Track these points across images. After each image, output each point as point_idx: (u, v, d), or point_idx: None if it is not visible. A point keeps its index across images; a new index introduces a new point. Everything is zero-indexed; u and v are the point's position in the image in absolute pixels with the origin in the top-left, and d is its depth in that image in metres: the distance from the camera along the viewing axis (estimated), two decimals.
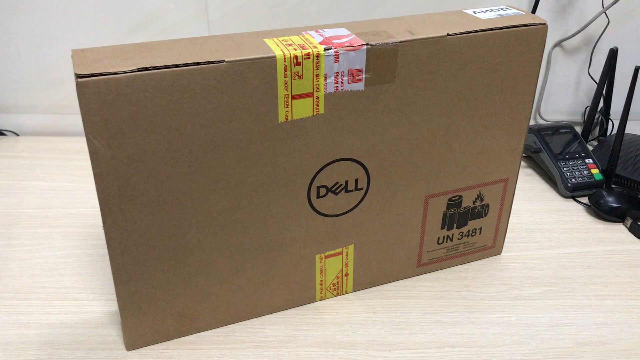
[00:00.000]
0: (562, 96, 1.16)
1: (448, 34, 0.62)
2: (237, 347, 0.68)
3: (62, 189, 0.95)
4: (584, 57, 1.12)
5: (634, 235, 0.88)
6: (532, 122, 1.17)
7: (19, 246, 0.82)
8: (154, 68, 0.52)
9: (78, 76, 0.50)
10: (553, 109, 1.17)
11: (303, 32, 0.61)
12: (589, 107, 1.10)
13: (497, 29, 0.64)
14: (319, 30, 0.62)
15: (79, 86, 0.51)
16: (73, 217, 0.88)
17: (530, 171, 1.05)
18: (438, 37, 0.62)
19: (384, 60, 0.60)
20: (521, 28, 0.65)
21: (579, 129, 1.09)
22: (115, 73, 0.51)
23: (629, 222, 0.90)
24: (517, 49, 0.66)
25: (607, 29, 1.08)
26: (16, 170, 1.00)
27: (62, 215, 0.89)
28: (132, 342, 0.67)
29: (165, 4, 1.01)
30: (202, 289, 0.66)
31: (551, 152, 1.00)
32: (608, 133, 1.13)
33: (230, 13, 1.04)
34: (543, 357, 0.67)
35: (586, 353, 0.68)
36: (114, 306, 0.72)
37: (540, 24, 0.66)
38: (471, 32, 0.63)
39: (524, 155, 1.07)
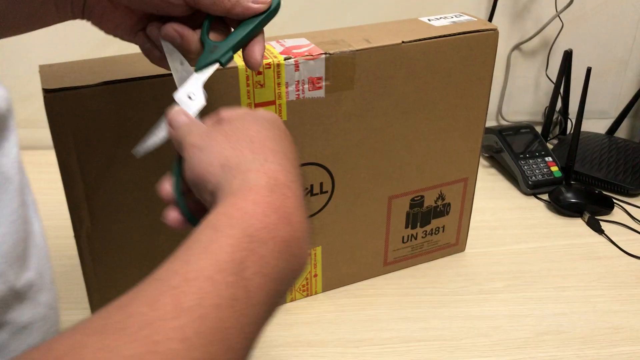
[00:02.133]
0: (522, 97, 1.20)
1: (403, 42, 0.65)
2: None
3: (36, 201, 0.96)
4: (541, 59, 1.17)
5: (592, 229, 0.92)
6: (494, 123, 1.21)
7: None
8: (119, 81, 0.54)
9: (46, 91, 0.52)
10: (514, 109, 1.21)
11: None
12: (548, 107, 1.14)
13: (450, 35, 0.68)
14: (280, 40, 0.65)
15: (46, 101, 0.52)
16: (45, 229, 0.89)
17: (493, 171, 1.08)
18: (393, 44, 0.65)
19: (343, 68, 0.63)
20: (473, 34, 0.69)
21: (539, 129, 1.13)
22: (82, 87, 0.53)
23: (586, 216, 0.94)
24: (470, 54, 0.70)
25: (561, 32, 1.12)
26: None
27: None
28: None
29: None
30: None
31: (512, 151, 1.04)
32: (567, 132, 1.17)
33: None
34: (504, 348, 0.70)
35: (545, 342, 0.71)
36: (88, 315, 0.73)
37: (492, 29, 0.70)
38: (425, 39, 0.66)
39: (486, 155, 1.11)
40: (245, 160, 0.38)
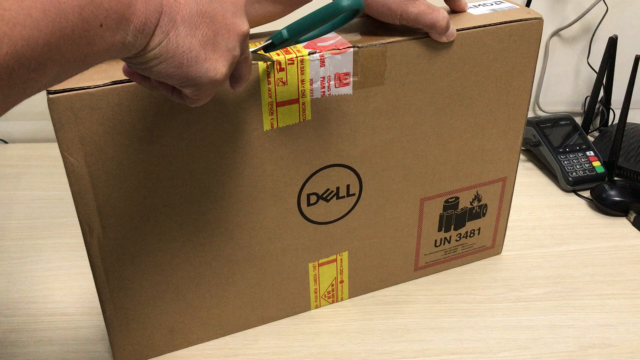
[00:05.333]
0: (561, 87, 1.13)
1: None
2: None
3: (51, 197, 0.93)
4: (582, 46, 1.09)
5: (638, 229, 0.86)
6: (531, 114, 1.14)
7: (7, 259, 0.80)
8: (129, 80, 0.50)
9: (49, 92, 0.48)
10: (552, 100, 1.14)
11: None
12: (589, 97, 1.07)
13: (490, 25, 0.62)
14: None
15: (50, 102, 0.48)
16: (62, 227, 0.86)
17: (530, 165, 1.02)
18: (427, 36, 0.59)
19: (372, 63, 0.58)
20: (516, 23, 0.63)
21: (579, 120, 1.06)
22: (89, 87, 0.49)
23: (632, 216, 0.87)
24: (512, 45, 0.64)
25: (605, 17, 1.05)
26: (4, 180, 0.97)
27: (51, 225, 0.86)
28: (122, 358, 0.65)
29: None
30: (192, 303, 0.64)
31: (551, 145, 0.98)
32: (609, 123, 1.10)
33: None
34: None
35: (590, 357, 0.66)
36: (103, 320, 0.70)
37: (536, 18, 0.64)
38: (463, 29, 0.61)
39: (523, 148, 1.04)
40: None
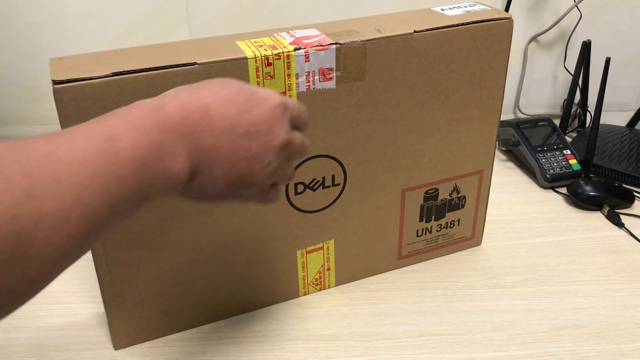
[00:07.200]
0: (540, 90, 1.18)
1: (415, 31, 0.64)
2: (223, 343, 0.69)
3: None
4: (559, 51, 1.15)
5: (611, 222, 0.90)
6: (511, 116, 1.19)
7: None
8: (128, 72, 0.54)
9: (54, 82, 0.52)
10: (532, 102, 1.19)
11: (274, 34, 0.63)
12: (566, 100, 1.12)
13: (463, 24, 0.66)
14: (290, 31, 0.64)
15: (55, 92, 0.52)
16: None
17: (510, 164, 1.07)
18: (405, 34, 0.64)
19: (353, 59, 0.62)
20: (487, 23, 0.67)
21: (558, 122, 1.11)
22: (91, 78, 0.53)
23: (606, 209, 0.92)
24: (484, 43, 0.68)
25: (579, 23, 1.10)
26: None
27: None
28: (119, 341, 0.68)
29: (147, 12, 1.03)
30: (185, 288, 0.68)
31: (530, 144, 1.02)
32: (586, 124, 1.15)
33: (211, 20, 1.06)
34: (520, 342, 0.69)
35: (562, 337, 0.70)
36: (101, 308, 0.73)
37: (506, 18, 0.68)
38: (437, 28, 0.65)
39: (503, 148, 1.09)
40: None
